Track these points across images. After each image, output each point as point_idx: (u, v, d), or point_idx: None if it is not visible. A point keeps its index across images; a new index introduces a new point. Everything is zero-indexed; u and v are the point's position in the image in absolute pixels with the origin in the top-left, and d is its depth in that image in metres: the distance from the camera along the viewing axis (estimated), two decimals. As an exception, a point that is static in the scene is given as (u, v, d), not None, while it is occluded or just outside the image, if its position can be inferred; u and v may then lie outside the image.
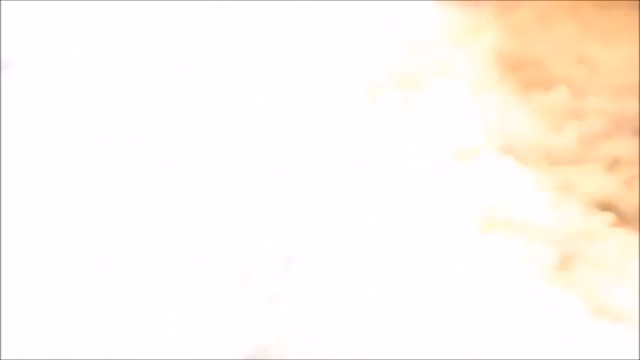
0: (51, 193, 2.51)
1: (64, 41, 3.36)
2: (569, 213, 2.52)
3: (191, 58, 3.26)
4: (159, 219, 2.39)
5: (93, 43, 3.35)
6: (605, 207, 2.55)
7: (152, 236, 2.30)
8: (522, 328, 1.96)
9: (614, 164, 2.75)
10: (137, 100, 2.99)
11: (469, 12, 3.59)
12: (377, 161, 2.72)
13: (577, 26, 3.47)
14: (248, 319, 1.99)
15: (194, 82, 3.10)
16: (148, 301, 2.04)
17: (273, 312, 2.01)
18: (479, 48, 3.38)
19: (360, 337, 1.93)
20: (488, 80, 3.19)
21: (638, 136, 2.85)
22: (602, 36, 3.39)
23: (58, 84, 3.11)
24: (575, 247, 2.38)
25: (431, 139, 2.86)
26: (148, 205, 2.45)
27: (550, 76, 3.23)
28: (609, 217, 2.49)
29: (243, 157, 2.68)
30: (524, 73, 3.28)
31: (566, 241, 2.39)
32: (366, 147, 2.77)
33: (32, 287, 2.10)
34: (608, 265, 2.30)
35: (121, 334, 1.94)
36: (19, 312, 2.01)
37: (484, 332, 1.96)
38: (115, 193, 2.51)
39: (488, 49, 3.36)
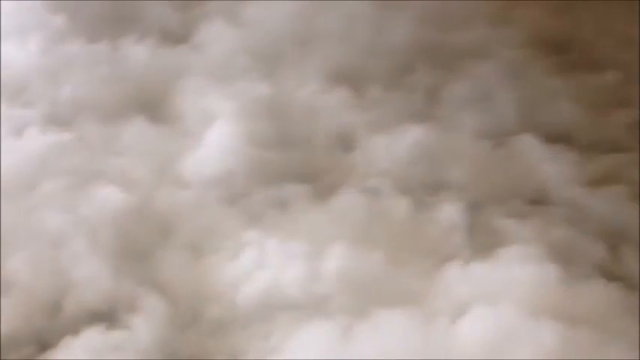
0: None
1: None
2: (612, 202, 2.39)
3: None
4: None
5: None
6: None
7: None
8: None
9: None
10: None
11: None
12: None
13: (625, 6, 3.32)
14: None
15: None
16: None
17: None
18: (519, 27, 3.24)
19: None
20: (528, 61, 3.08)
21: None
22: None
23: None
24: (620, 237, 2.26)
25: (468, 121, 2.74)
26: None
27: (596, 58, 3.08)
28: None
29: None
30: (567, 54, 3.14)
31: (609, 230, 2.27)
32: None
33: None
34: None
35: None
36: None
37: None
38: None
39: (530, 29, 3.23)
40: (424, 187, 2.46)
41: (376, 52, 3.15)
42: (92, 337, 1.83)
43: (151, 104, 2.86)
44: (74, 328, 1.86)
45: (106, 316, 1.92)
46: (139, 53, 3.14)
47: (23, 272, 1.99)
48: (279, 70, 3.02)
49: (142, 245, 2.16)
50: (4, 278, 1.97)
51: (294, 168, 2.56)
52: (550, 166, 2.49)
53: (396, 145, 2.60)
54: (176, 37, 3.33)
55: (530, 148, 2.58)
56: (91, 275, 2.01)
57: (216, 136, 2.59)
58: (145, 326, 1.88)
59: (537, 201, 2.40)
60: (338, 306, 1.93)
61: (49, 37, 3.21)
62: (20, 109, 2.81)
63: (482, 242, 2.17)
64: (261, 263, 2.08)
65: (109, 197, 2.28)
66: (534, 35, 3.18)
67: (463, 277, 2.00)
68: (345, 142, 2.70)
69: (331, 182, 2.48)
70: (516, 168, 2.54)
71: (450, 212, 2.29)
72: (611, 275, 2.07)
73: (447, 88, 2.91)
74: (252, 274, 2.04)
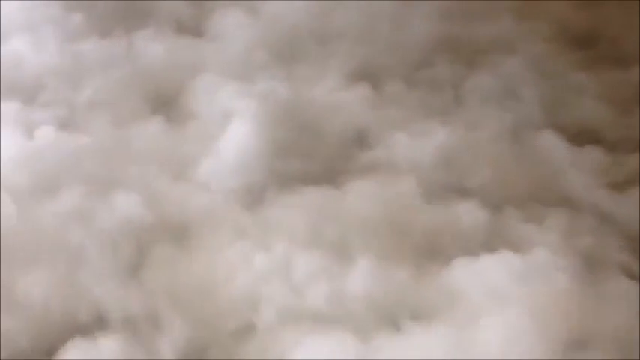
0: None
1: None
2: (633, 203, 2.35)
3: None
4: None
5: None
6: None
7: None
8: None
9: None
10: None
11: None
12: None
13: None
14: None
15: None
16: None
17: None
18: (544, 21, 3.19)
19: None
20: (552, 57, 3.04)
21: None
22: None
23: None
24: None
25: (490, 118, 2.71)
26: None
27: (623, 54, 3.04)
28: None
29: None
30: (593, 49, 3.10)
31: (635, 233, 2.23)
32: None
33: None
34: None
35: None
36: None
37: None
38: None
39: (555, 23, 3.19)
40: (444, 188, 2.44)
41: (396, 47, 3.12)
42: (109, 349, 1.83)
43: (167, 103, 2.85)
44: (89, 340, 1.86)
45: (124, 329, 1.92)
46: (154, 49, 3.12)
47: (39, 288, 1.98)
48: (297, 67, 3.00)
49: (160, 254, 2.15)
50: (14, 296, 1.96)
51: (313, 168, 2.55)
52: (574, 167, 2.47)
53: (416, 144, 2.58)
54: (192, 30, 3.31)
55: (553, 147, 2.55)
56: (109, 288, 2.01)
57: (233, 137, 2.56)
58: (164, 339, 1.87)
59: (561, 203, 2.38)
60: (361, 317, 1.93)
61: (64, 35, 3.21)
62: (35, 111, 2.79)
63: (503, 245, 2.16)
64: (281, 269, 2.07)
65: (126, 206, 2.26)
66: (559, 30, 3.15)
67: (482, 282, 1.99)
68: (365, 140, 2.68)
69: (350, 181, 2.46)
70: (539, 168, 2.52)
71: (470, 214, 2.28)
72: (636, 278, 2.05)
73: (468, 83, 2.89)
74: (272, 280, 2.03)
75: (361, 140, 2.68)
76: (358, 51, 3.09)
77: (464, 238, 2.20)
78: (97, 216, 2.24)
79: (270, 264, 2.06)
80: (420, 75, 2.98)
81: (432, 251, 2.16)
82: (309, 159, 2.59)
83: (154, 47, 3.14)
